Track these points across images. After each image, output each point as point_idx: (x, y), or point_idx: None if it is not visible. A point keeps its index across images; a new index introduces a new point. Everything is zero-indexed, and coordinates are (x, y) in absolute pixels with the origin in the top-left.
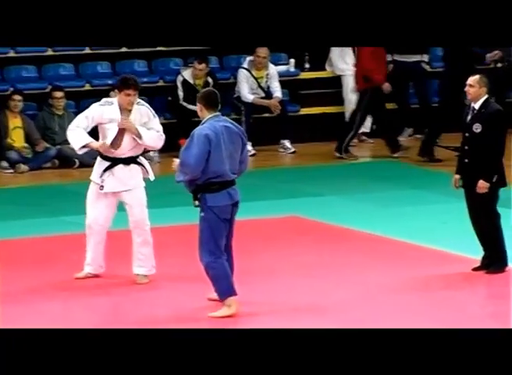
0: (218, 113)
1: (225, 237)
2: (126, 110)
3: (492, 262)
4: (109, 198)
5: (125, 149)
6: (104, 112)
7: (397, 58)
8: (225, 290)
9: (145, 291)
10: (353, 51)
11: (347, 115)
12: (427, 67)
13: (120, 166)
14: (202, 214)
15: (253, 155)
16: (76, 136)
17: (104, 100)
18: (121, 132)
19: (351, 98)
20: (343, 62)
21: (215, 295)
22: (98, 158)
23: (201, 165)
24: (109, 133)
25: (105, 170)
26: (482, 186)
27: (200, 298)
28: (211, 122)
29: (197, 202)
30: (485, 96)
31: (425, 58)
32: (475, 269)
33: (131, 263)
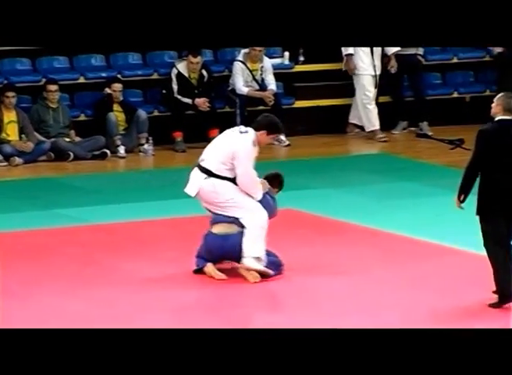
0: None
1: None
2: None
3: None
4: None
5: None
6: None
7: None
8: None
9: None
10: (372, 52)
11: (355, 112)
12: (422, 60)
13: None
14: None
15: None
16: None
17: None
18: None
19: (364, 97)
20: (361, 61)
21: None
22: None
23: None
24: None
25: None
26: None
27: (199, 290)
28: None
29: None
30: (499, 116)
31: (420, 51)
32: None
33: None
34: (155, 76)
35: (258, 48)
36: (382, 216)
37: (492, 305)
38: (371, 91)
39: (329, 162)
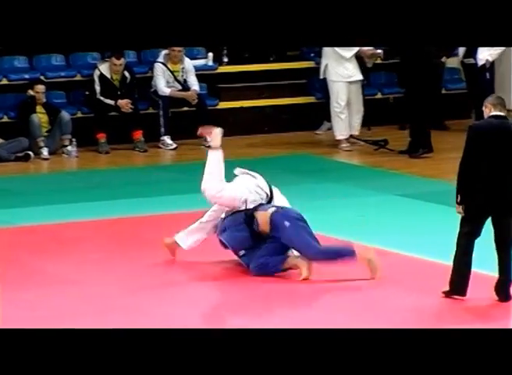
0: None
1: None
2: None
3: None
4: None
5: None
6: None
7: None
8: None
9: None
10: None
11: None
12: None
13: None
14: None
15: (174, 149)
16: None
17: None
18: None
19: (336, 105)
20: (343, 67)
21: None
22: None
23: None
24: None
25: None
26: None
27: (122, 291)
28: None
29: None
30: (491, 113)
31: None
32: None
33: None
34: (78, 77)
35: (177, 49)
36: (305, 217)
37: (445, 293)
38: (344, 100)
39: (253, 163)
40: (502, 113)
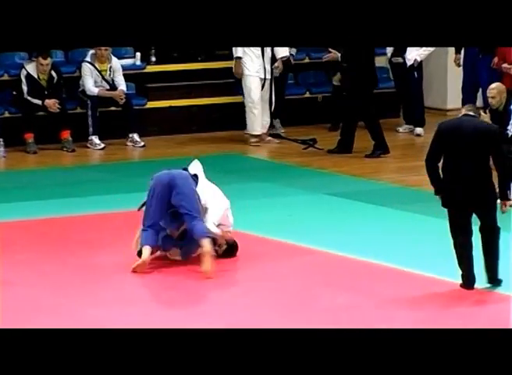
0: None
1: None
2: None
3: None
4: None
5: None
6: None
7: None
8: None
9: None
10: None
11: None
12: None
13: None
14: None
15: (102, 149)
16: None
17: None
18: None
19: (249, 100)
20: (251, 63)
21: None
22: None
23: None
24: None
25: None
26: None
27: (58, 289)
28: None
29: None
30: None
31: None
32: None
33: None
34: (6, 77)
35: (104, 48)
36: (235, 216)
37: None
38: (257, 94)
39: (183, 163)
40: (472, 113)
